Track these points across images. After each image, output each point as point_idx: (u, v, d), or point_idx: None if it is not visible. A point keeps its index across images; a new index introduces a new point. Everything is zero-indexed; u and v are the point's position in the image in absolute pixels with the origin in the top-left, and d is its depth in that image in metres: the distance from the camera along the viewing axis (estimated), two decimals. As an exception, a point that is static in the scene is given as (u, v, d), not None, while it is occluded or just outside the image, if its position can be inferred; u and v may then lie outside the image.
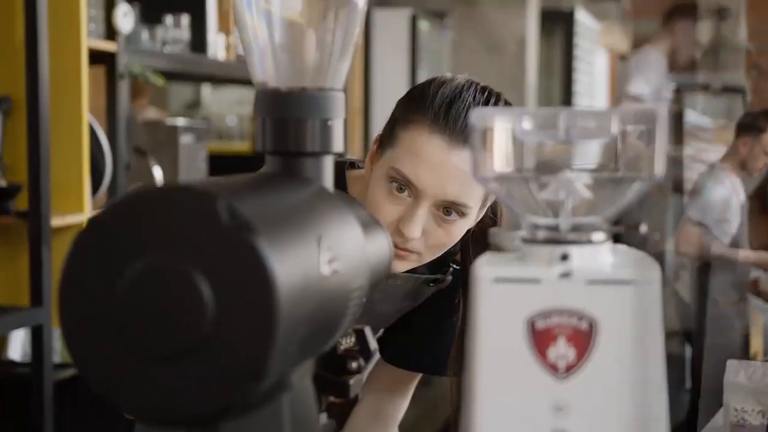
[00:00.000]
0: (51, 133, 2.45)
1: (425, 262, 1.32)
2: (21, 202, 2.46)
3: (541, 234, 0.68)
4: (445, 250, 1.32)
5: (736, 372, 1.75)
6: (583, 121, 0.66)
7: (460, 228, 1.29)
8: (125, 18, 2.70)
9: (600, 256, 0.67)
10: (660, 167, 0.66)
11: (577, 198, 0.68)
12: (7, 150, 2.54)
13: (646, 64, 4.46)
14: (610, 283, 0.65)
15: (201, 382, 0.59)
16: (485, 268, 0.67)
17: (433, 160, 1.24)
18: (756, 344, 5.03)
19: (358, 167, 1.43)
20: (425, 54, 5.36)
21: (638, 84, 4.38)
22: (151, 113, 4.30)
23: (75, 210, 2.56)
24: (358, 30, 0.79)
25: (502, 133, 0.68)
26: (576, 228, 0.68)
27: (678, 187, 4.96)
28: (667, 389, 0.67)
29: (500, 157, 0.68)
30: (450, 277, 1.43)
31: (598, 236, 0.68)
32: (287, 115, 0.75)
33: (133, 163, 2.98)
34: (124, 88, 2.77)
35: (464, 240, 1.35)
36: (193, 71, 3.42)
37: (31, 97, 2.40)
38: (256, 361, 0.59)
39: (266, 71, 0.77)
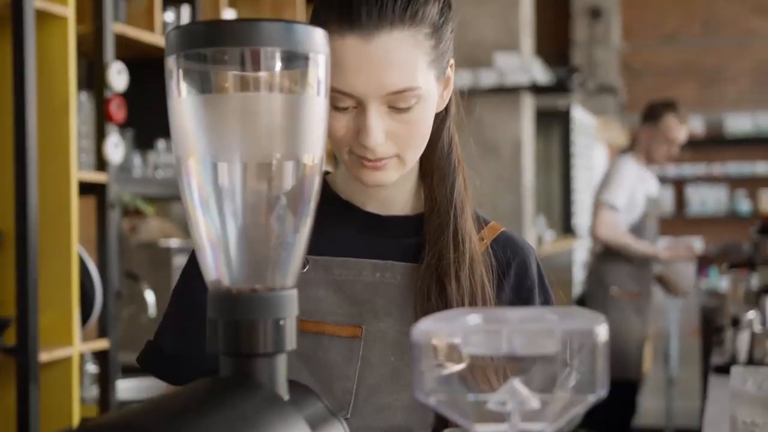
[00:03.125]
0: (40, 266, 2.45)
1: (410, 164, 1.25)
2: (9, 337, 2.45)
3: (489, 447, 0.67)
4: (424, 142, 1.24)
5: (742, 380, 1.55)
6: (524, 338, 0.65)
7: (422, 112, 1.21)
8: (116, 149, 2.72)
9: (549, 470, 0.66)
10: (603, 384, 0.65)
11: (525, 408, 0.67)
12: (-3, 283, 2.54)
13: (618, 172, 4.59)
14: (558, 504, 0.64)
15: None
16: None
17: (354, 61, 1.16)
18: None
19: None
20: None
21: (614, 192, 4.50)
22: (153, 224, 4.30)
23: (64, 343, 2.54)
24: (308, 226, 0.79)
25: (444, 346, 0.67)
26: (524, 439, 0.67)
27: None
28: None
29: (443, 369, 0.68)
30: None
31: (548, 448, 0.67)
32: (238, 317, 0.75)
33: (124, 288, 2.97)
34: (114, 217, 2.78)
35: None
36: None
37: (21, 231, 2.41)
38: None
39: (219, 270, 0.77)
